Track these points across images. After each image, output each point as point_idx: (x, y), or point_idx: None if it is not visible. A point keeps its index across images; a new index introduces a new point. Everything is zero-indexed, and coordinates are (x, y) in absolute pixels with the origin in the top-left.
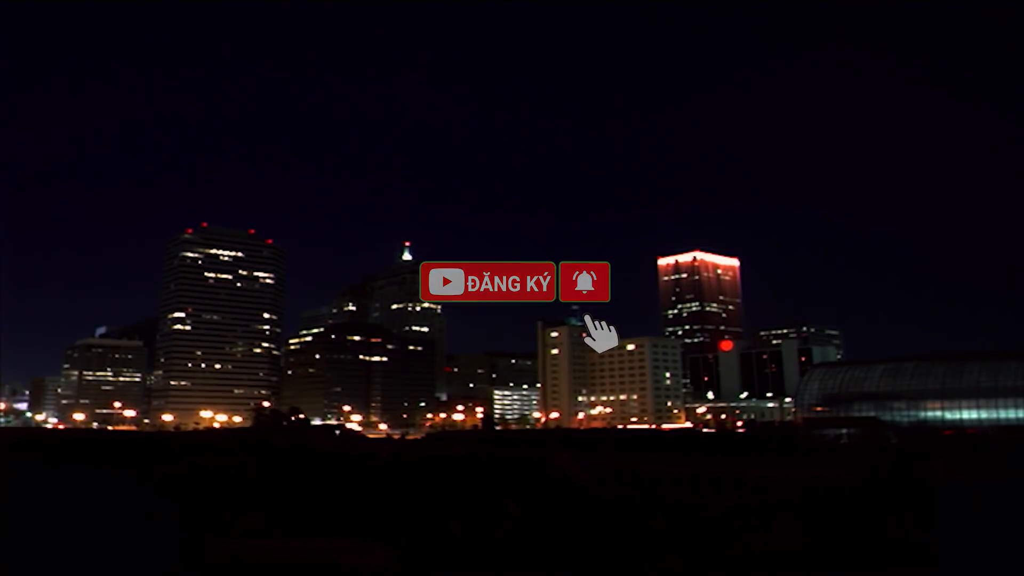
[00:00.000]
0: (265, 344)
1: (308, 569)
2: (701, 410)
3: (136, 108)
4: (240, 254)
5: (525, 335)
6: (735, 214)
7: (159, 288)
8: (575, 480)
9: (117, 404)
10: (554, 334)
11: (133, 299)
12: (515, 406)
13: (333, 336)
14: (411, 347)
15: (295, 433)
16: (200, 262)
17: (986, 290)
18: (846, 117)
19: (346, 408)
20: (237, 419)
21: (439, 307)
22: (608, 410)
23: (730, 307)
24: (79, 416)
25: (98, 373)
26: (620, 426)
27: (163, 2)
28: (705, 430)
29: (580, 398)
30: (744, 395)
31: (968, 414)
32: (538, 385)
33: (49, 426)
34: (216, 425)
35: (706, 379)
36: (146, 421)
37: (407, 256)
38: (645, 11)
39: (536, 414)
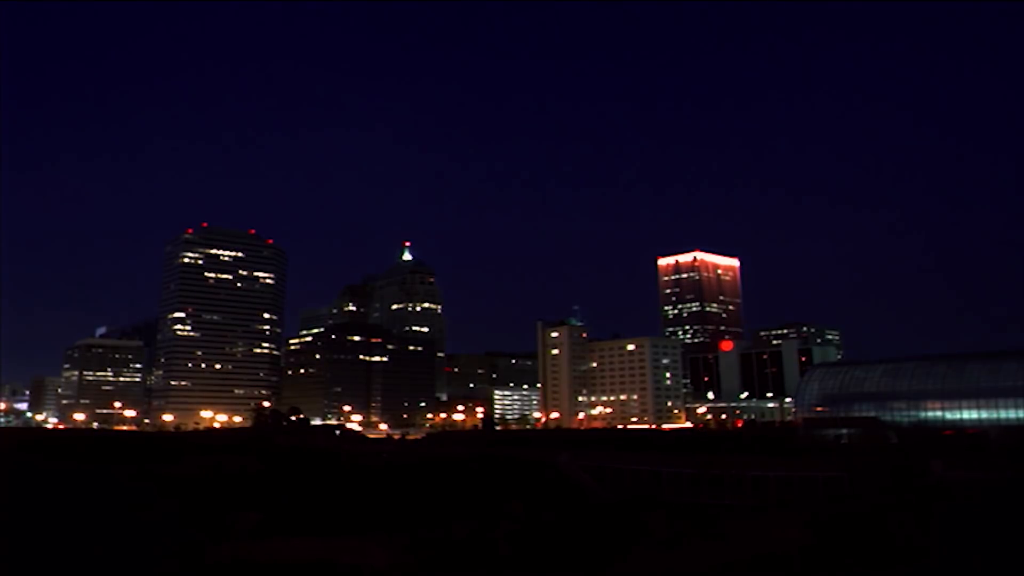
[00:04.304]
0: (265, 344)
1: (308, 569)
2: (701, 410)
3: (136, 108)
4: (240, 254)
5: (525, 335)
6: (735, 214)
7: (159, 288)
8: (575, 480)
9: (117, 404)
10: (554, 334)
11: (133, 299)
12: (515, 406)
13: (333, 336)
14: (411, 347)
15: (295, 433)
16: (200, 262)
17: (986, 290)
18: (847, 120)
19: (346, 408)
20: (237, 419)
21: (439, 307)
22: (608, 410)
23: (730, 307)
24: (79, 416)
25: (98, 373)
26: (620, 426)
27: (166, 4)
28: (705, 430)
29: (580, 398)
30: (744, 395)
31: (968, 414)
32: (538, 385)
33: (49, 426)
34: (216, 425)
35: (706, 379)
36: (146, 421)
37: (407, 256)
38: (647, 13)
39: (536, 414)
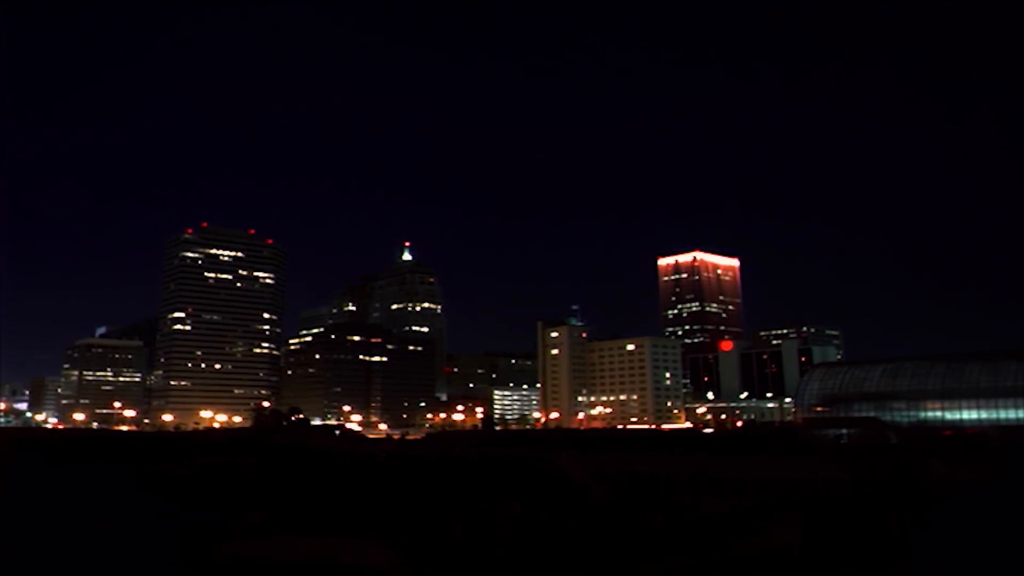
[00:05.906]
0: (265, 344)
1: (308, 569)
2: (701, 410)
3: (136, 109)
4: (240, 254)
5: (525, 335)
6: (735, 214)
7: (159, 288)
8: (575, 480)
9: (117, 404)
10: (554, 334)
11: (133, 299)
12: (515, 406)
13: (333, 336)
14: (411, 347)
15: (295, 433)
16: (200, 262)
17: (986, 291)
18: (848, 121)
19: (346, 408)
20: (237, 419)
21: (439, 307)
22: (608, 410)
23: (730, 307)
24: (79, 416)
25: (98, 373)
26: (620, 426)
27: (164, 4)
28: (705, 430)
29: (580, 398)
30: (744, 395)
31: (968, 414)
32: (538, 385)
33: (49, 426)
34: (216, 425)
35: (706, 379)
36: (146, 421)
37: (407, 256)
38: (648, 12)
39: (536, 414)
